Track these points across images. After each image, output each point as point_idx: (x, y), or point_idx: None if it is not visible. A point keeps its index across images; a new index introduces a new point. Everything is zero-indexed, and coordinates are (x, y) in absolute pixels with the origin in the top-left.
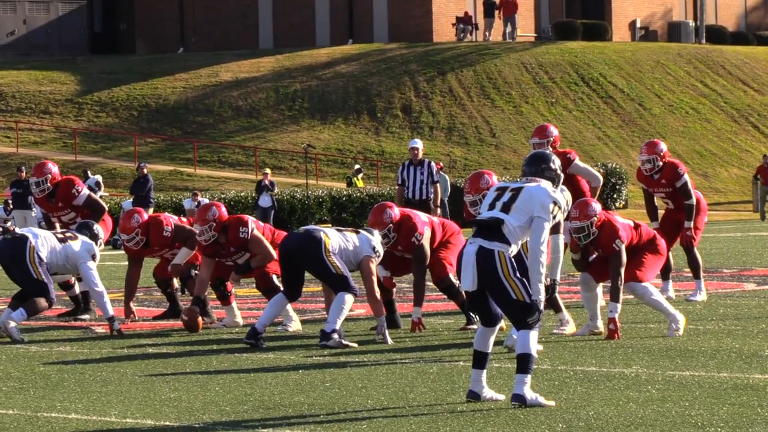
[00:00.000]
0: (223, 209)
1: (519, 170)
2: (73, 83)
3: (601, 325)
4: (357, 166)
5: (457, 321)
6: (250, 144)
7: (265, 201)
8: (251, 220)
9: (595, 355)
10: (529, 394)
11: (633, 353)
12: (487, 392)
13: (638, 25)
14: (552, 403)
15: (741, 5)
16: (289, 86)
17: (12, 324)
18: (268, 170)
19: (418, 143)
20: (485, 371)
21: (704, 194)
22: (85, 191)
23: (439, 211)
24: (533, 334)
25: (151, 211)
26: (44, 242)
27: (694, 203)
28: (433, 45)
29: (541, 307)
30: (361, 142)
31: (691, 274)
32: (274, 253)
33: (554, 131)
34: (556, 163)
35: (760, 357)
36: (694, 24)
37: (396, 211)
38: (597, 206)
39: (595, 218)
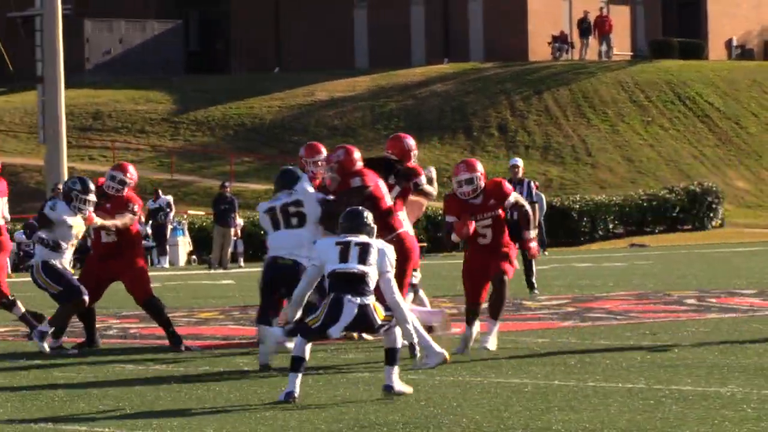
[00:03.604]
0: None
1: (615, 189)
2: (169, 102)
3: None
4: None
5: (553, 341)
6: None
7: None
8: None
9: (691, 374)
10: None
11: (728, 372)
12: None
13: (734, 43)
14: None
15: None
16: (384, 105)
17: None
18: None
19: (519, 161)
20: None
21: None
22: None
23: (533, 233)
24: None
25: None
26: None
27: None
28: (529, 64)
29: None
30: (456, 161)
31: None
32: None
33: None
34: (370, 217)
35: None
36: None
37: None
38: None
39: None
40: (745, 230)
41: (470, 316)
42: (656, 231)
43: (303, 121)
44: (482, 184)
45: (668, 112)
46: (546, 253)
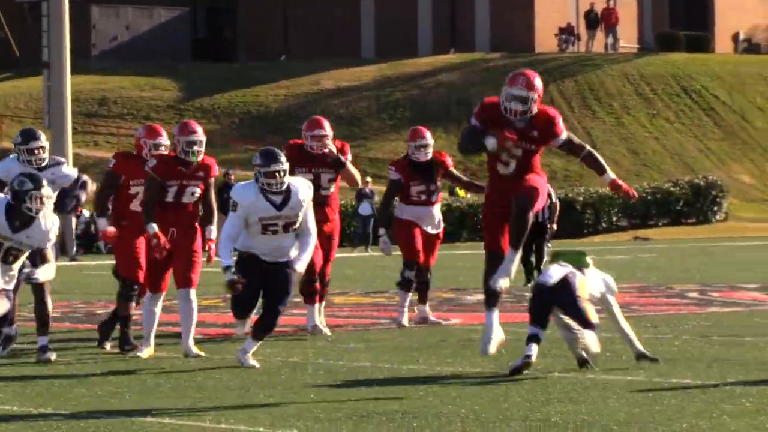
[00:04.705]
0: None
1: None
2: (175, 90)
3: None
4: None
5: (553, 333)
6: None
7: (365, 209)
8: None
9: (691, 368)
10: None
11: (728, 366)
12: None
13: (741, 37)
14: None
15: None
16: (390, 95)
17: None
18: (368, 178)
19: None
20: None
21: None
22: None
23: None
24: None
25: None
26: None
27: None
28: (535, 55)
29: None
30: None
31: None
32: None
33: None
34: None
35: None
36: None
37: None
38: None
39: None
40: (749, 225)
41: (488, 289)
42: (660, 224)
43: (309, 109)
44: (535, 108)
45: (674, 106)
46: (550, 245)
